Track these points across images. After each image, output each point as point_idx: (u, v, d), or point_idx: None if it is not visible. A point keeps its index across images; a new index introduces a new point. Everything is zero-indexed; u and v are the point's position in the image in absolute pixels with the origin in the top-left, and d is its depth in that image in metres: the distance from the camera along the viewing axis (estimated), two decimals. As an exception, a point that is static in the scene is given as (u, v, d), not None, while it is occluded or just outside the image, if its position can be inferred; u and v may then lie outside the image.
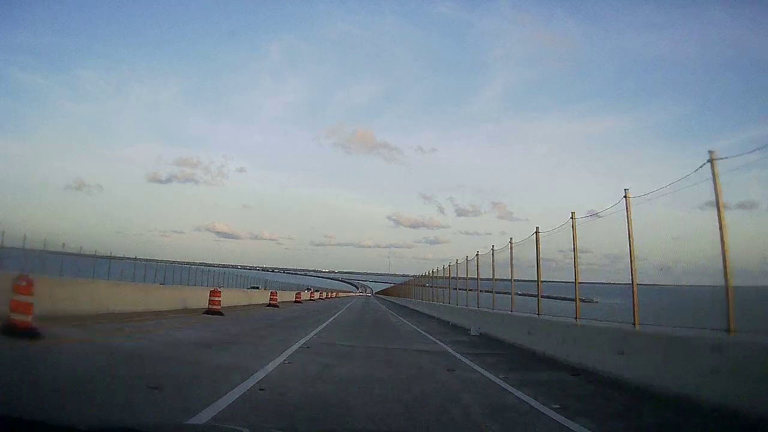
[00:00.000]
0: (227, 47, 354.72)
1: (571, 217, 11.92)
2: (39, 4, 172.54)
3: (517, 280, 16.38)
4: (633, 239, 9.08)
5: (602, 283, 12.33)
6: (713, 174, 7.20)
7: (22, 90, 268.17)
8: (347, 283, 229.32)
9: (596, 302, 13.26)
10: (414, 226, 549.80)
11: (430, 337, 15.62)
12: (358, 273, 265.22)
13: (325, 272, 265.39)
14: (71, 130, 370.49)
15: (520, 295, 16.40)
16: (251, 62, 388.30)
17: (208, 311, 17.33)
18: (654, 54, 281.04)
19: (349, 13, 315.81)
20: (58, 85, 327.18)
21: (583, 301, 11.85)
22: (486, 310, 18.81)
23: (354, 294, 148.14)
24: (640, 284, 9.03)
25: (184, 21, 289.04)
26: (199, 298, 19.17)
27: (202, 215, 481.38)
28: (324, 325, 17.88)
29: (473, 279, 22.22)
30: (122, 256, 31.32)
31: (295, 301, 42.20)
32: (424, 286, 39.61)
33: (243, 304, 26.95)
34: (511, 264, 16.51)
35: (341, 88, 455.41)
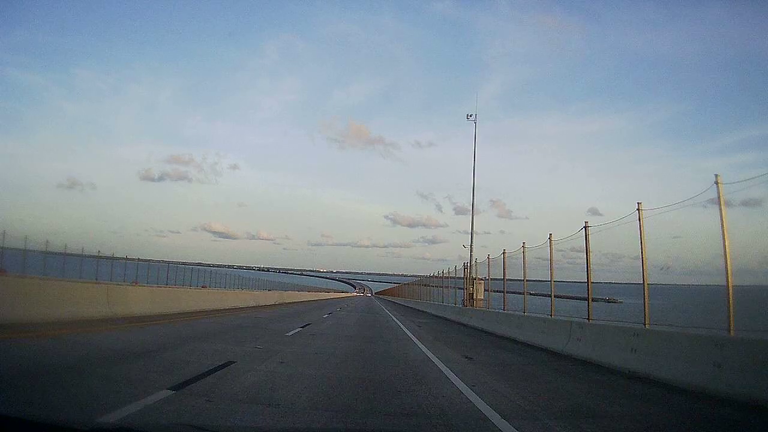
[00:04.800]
0: (225, 46, 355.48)
1: (549, 238, 14.65)
2: (37, 3, 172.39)
3: (533, 281, 17.52)
4: (590, 262, 12.41)
5: (601, 283, 13.27)
6: (639, 218, 10.50)
7: (19, 89, 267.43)
8: (345, 282, 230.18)
9: (620, 302, 13.76)
10: (412, 225, 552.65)
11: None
12: (357, 273, 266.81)
13: (323, 272, 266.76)
14: (67, 129, 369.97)
15: (532, 294, 17.47)
16: (249, 61, 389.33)
17: None
18: (653, 53, 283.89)
19: (347, 11, 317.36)
20: (55, 84, 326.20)
21: (606, 300, 13.04)
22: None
23: (352, 294, 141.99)
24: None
25: (182, 21, 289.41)
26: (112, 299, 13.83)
27: (200, 215, 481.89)
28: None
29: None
30: (97, 254, 30.41)
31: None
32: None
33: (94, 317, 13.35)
34: (503, 270, 17.77)
35: (339, 87, 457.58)
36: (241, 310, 23.75)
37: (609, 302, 17.73)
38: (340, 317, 23.73)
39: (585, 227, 12.74)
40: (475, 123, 29.18)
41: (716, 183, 8.61)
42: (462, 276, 28.12)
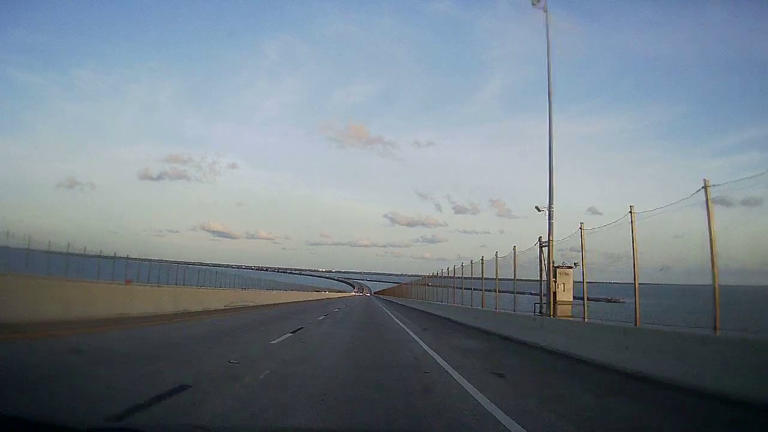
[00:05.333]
0: (224, 47, 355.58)
1: (539, 241, 14.82)
2: (37, 3, 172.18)
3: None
4: (585, 262, 12.16)
5: (601, 282, 13.39)
6: (631, 220, 10.70)
7: (19, 89, 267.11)
8: (344, 282, 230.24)
9: (623, 302, 13.61)
10: (411, 224, 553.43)
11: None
12: (356, 272, 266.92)
13: (322, 271, 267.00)
14: (67, 130, 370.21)
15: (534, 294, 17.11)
16: (248, 62, 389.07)
17: None
18: (653, 54, 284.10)
19: (346, 12, 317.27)
20: (54, 85, 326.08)
21: (609, 300, 13.16)
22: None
23: (350, 294, 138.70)
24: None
25: (182, 21, 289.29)
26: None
27: (199, 215, 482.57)
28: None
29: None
30: (83, 252, 29.46)
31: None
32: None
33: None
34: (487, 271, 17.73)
35: (339, 88, 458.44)
36: (128, 322, 13.33)
37: (610, 302, 17.50)
38: (317, 335, 13.91)
39: (630, 212, 10.84)
40: (546, 12, 16.95)
41: (704, 187, 8.88)
42: (478, 277, 21.92)
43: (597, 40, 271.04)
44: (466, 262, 24.69)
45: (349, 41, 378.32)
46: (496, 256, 19.79)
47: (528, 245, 17.63)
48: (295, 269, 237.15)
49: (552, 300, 15.06)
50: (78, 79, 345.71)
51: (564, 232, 14.33)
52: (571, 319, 13.93)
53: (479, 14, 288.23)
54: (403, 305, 50.88)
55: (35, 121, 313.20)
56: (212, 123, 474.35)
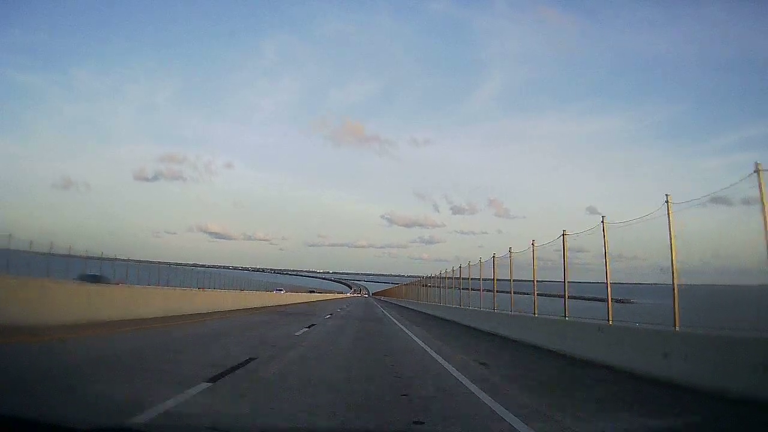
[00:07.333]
0: (223, 47, 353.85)
1: (532, 244, 14.48)
2: (35, 3, 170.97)
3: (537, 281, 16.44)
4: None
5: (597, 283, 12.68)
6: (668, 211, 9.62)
7: (17, 89, 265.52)
8: (341, 283, 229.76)
9: (634, 302, 13.34)
10: (408, 225, 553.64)
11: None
12: (354, 273, 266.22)
13: (320, 272, 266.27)
14: (65, 130, 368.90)
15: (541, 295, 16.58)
16: (247, 62, 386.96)
17: None
18: (652, 53, 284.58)
19: (344, 11, 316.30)
20: (53, 85, 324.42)
21: (617, 301, 12.63)
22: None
23: (347, 295, 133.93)
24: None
25: (180, 21, 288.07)
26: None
27: (197, 216, 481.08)
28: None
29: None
30: (83, 253, 29.52)
31: None
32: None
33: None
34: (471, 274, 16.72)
35: (337, 87, 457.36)
36: None
37: (620, 303, 17.06)
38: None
39: (667, 201, 9.46)
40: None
41: (756, 171, 7.84)
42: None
43: (597, 39, 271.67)
44: (465, 263, 23.73)
45: (348, 41, 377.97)
46: (510, 253, 17.64)
47: (527, 245, 16.19)
48: (293, 270, 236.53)
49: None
50: (77, 80, 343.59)
51: (560, 232, 13.80)
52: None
53: (478, 13, 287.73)
54: (412, 309, 42.80)
55: (34, 121, 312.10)
56: (211, 123, 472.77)
